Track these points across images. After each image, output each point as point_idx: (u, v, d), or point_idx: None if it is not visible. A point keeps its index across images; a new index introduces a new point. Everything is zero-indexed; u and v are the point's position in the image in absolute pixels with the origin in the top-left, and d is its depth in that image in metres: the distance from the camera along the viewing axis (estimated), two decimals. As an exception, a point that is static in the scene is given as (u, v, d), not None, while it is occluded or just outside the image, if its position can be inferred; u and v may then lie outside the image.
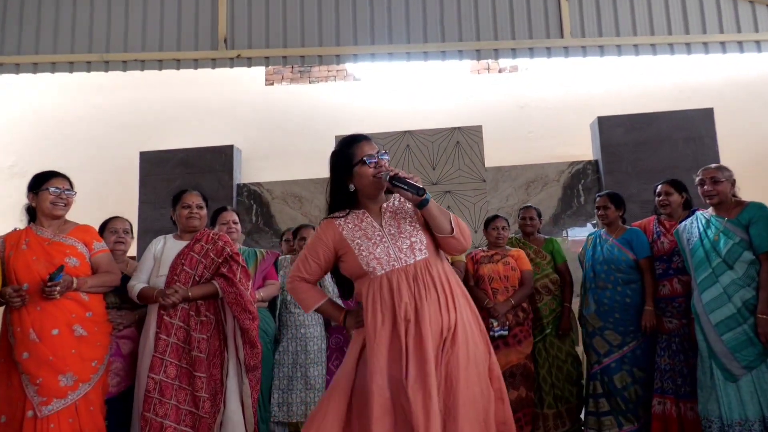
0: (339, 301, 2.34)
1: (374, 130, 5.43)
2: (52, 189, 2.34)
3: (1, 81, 5.94)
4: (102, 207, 4.22)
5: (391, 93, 6.14)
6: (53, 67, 5.66)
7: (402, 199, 1.90)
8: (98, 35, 5.65)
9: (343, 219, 1.89)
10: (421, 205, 1.80)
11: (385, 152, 1.97)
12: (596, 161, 5.32)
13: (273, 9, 5.64)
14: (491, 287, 3.25)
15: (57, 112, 6.29)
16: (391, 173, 1.81)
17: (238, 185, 5.73)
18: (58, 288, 2.17)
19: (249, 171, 5.97)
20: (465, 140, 5.38)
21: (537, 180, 5.40)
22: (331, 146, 5.18)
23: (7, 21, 5.62)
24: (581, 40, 5.35)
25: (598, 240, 3.28)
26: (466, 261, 3.42)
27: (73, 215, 2.56)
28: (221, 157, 5.68)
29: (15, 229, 2.42)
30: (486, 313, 3.13)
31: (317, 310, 1.94)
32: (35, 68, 5.66)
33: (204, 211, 2.71)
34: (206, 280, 2.52)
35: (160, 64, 5.68)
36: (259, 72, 6.32)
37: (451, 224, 1.80)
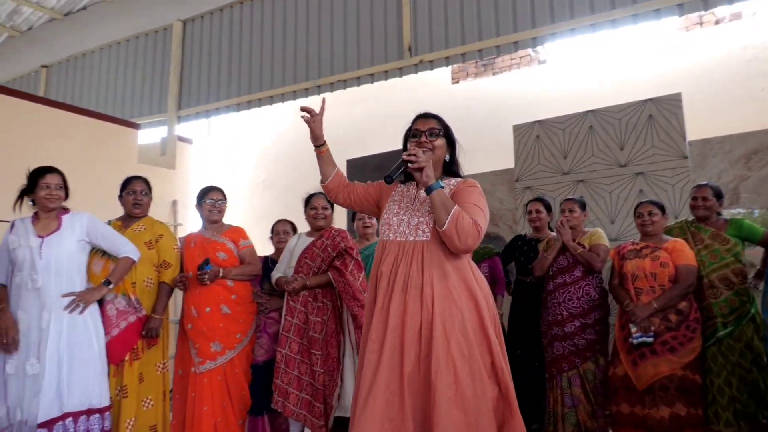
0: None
1: (556, 113, 5.15)
2: (209, 201, 3.05)
3: (257, 112, 7.48)
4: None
5: (577, 72, 5.69)
6: (282, 98, 6.94)
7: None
8: (312, 64, 6.69)
9: (403, 185, 2.06)
10: (427, 191, 1.83)
11: (437, 131, 1.99)
12: None
13: (451, 9, 5.82)
14: (634, 286, 2.83)
15: (290, 134, 7.64)
16: (404, 157, 1.86)
17: (426, 183, 6.08)
18: (207, 276, 2.84)
19: (438, 168, 6.28)
20: (659, 112, 4.65)
21: (763, 150, 4.34)
22: (510, 137, 5.14)
23: (263, 63, 7.07)
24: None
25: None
26: (606, 245, 3.07)
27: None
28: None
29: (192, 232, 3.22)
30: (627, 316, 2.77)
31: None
32: (271, 101, 7.01)
33: (329, 211, 3.10)
34: (323, 272, 2.92)
35: (358, 81, 6.42)
36: (445, 72, 6.56)
37: (447, 220, 1.77)
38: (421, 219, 1.89)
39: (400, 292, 1.84)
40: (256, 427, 3.04)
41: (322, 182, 2.13)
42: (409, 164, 1.83)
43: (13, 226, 2.55)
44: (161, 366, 2.87)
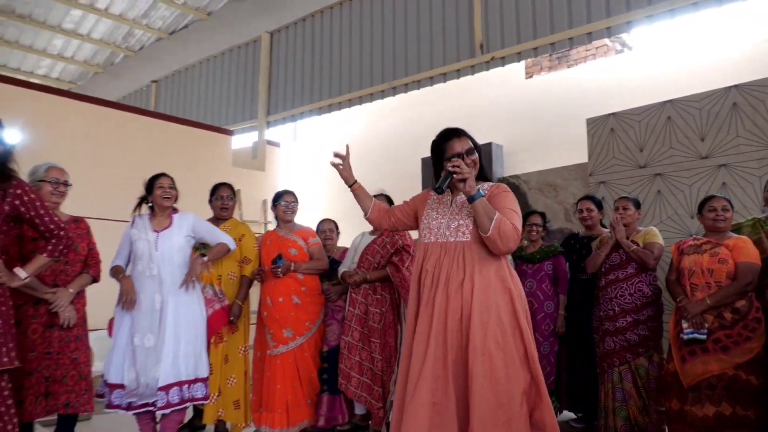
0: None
1: (633, 104, 5.02)
2: (283, 203, 3.40)
3: (338, 115, 7.88)
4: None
5: (655, 60, 5.46)
6: (360, 100, 7.26)
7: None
8: (387, 67, 6.95)
9: (435, 194, 2.25)
10: (470, 200, 2.01)
11: (472, 149, 2.18)
12: None
13: (522, 3, 5.81)
14: (690, 282, 2.77)
15: (369, 134, 7.97)
16: (449, 169, 2.04)
17: (499, 179, 6.13)
18: (280, 269, 3.18)
19: (512, 164, 6.30)
20: (745, 100, 4.40)
21: None
22: (584, 131, 5.08)
23: (342, 68, 7.45)
24: None
25: None
26: (661, 243, 3.03)
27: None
28: (482, 155, 6.19)
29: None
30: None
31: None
32: (350, 104, 7.37)
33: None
34: (382, 267, 3.16)
35: (431, 81, 6.58)
36: (519, 68, 6.54)
37: (491, 226, 1.95)
38: (461, 222, 2.08)
39: (443, 288, 2.03)
40: (334, 404, 3.35)
41: (364, 216, 2.37)
42: (455, 176, 2.01)
43: (133, 221, 3.03)
44: (243, 349, 3.27)
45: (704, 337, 2.61)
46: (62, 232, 2.29)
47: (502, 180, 6.07)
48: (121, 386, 2.76)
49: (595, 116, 5.16)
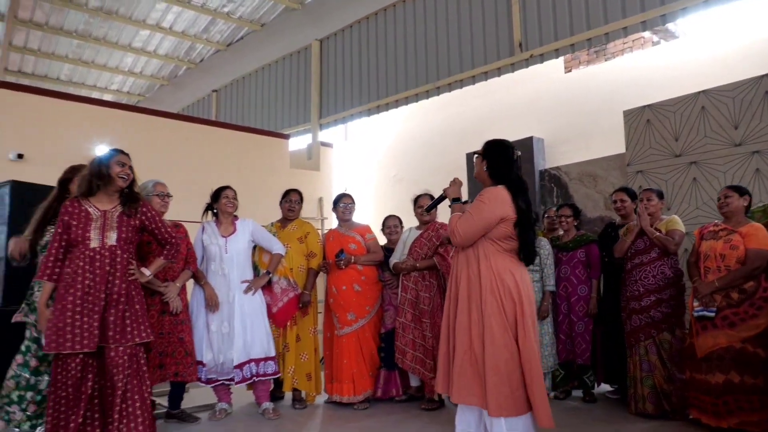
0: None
1: (667, 95, 5.23)
2: (341, 205, 3.92)
3: (386, 115, 8.34)
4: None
5: (689, 51, 5.62)
6: (407, 101, 7.71)
7: None
8: (431, 68, 7.36)
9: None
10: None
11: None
12: None
13: (559, 1, 6.07)
14: (704, 265, 3.10)
15: (417, 132, 8.40)
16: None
17: (540, 171, 6.45)
18: (342, 262, 3.71)
19: (553, 156, 6.58)
20: (778, 88, 4.55)
21: None
22: (622, 122, 5.31)
23: (389, 71, 7.91)
24: None
25: None
26: (682, 231, 3.35)
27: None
28: (522, 148, 6.51)
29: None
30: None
31: None
32: (397, 104, 7.83)
33: (434, 210, 3.79)
34: (430, 257, 3.63)
35: (473, 80, 6.94)
36: (558, 62, 6.79)
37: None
38: None
39: (456, 278, 2.61)
40: (390, 378, 3.86)
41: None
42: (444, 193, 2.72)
43: (204, 228, 3.63)
44: (312, 330, 3.83)
45: (713, 314, 2.95)
46: (174, 240, 2.88)
47: (545, 172, 6.38)
48: (201, 363, 3.38)
49: (631, 108, 5.39)
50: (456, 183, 2.75)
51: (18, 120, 6.11)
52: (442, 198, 2.78)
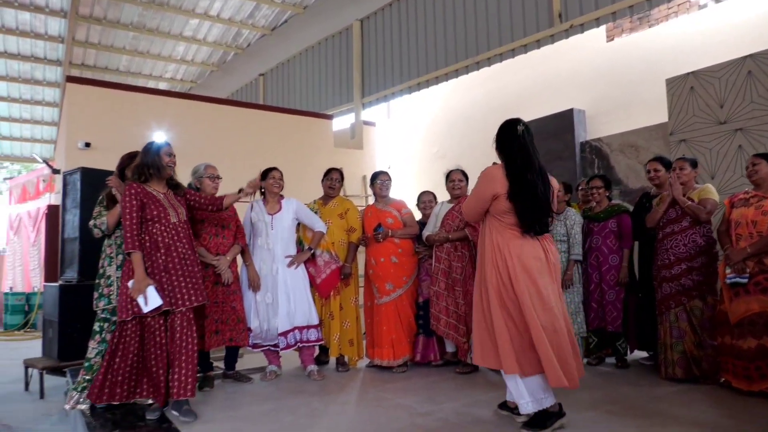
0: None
1: (712, 60, 5.10)
2: (378, 181, 4.12)
3: (427, 92, 8.43)
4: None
5: (736, 13, 5.41)
6: (447, 77, 7.77)
7: None
8: (470, 42, 7.37)
9: None
10: None
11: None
12: None
13: (601, -31, 5.95)
14: (735, 232, 3.12)
15: (458, 108, 8.46)
16: None
17: (581, 143, 6.41)
18: (380, 235, 3.93)
19: (595, 127, 6.52)
20: (828, 48, 4.37)
21: None
22: (664, 90, 5.24)
23: (428, 48, 8.00)
24: None
25: None
26: (714, 199, 3.35)
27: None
28: (563, 121, 6.50)
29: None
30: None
31: None
32: (437, 81, 7.90)
33: (464, 183, 3.95)
34: (461, 229, 3.79)
35: (513, 53, 6.91)
36: (600, 31, 6.66)
37: None
38: None
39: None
40: (428, 344, 4.09)
41: None
42: None
43: (252, 206, 3.93)
44: (354, 299, 4.09)
45: (745, 281, 2.98)
46: (212, 199, 3.31)
47: (586, 144, 6.34)
48: (249, 329, 3.70)
49: (674, 76, 5.28)
50: None
51: (85, 111, 6.64)
52: None
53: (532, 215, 2.55)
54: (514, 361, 2.50)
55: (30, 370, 4.56)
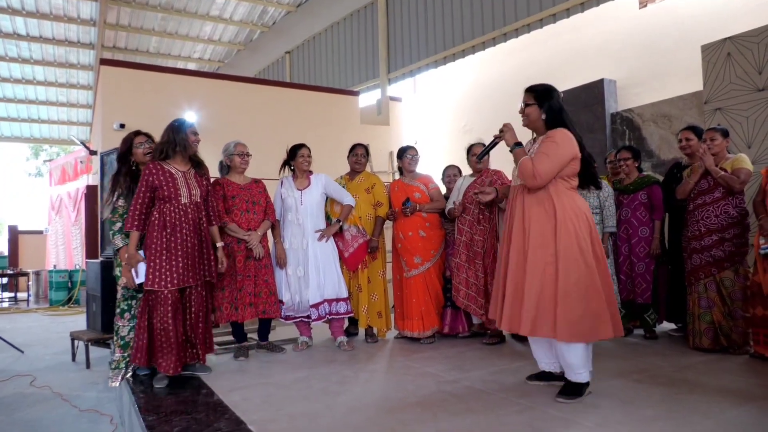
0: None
1: (749, 25, 4.91)
2: (408, 156, 4.15)
3: (453, 66, 8.34)
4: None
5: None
6: (473, 50, 7.66)
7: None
8: (497, 14, 7.23)
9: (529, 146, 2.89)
10: (510, 150, 2.75)
11: (525, 105, 2.79)
12: None
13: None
14: (768, 203, 3.06)
15: (483, 80, 8.35)
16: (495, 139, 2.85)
17: (612, 114, 6.28)
18: (408, 209, 3.98)
19: (626, 98, 6.37)
20: None
21: None
22: (699, 58, 5.08)
23: (454, 20, 7.89)
24: None
25: None
26: (748, 169, 3.28)
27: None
28: (593, 92, 6.36)
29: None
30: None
31: None
32: (463, 54, 7.80)
33: (485, 157, 3.93)
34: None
35: (541, 23, 6.77)
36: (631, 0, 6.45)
37: (517, 167, 2.67)
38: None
39: (513, 218, 2.74)
40: (456, 316, 4.15)
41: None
42: (496, 139, 2.80)
43: (282, 183, 4.01)
44: (381, 273, 4.17)
45: (775, 250, 2.93)
46: (212, 214, 3.35)
47: (617, 115, 6.21)
48: (281, 302, 3.83)
49: (710, 42, 5.11)
50: (509, 128, 2.75)
51: (119, 93, 6.83)
52: (493, 145, 2.89)
53: (595, 174, 2.71)
54: (610, 326, 2.46)
55: (76, 342, 4.83)
